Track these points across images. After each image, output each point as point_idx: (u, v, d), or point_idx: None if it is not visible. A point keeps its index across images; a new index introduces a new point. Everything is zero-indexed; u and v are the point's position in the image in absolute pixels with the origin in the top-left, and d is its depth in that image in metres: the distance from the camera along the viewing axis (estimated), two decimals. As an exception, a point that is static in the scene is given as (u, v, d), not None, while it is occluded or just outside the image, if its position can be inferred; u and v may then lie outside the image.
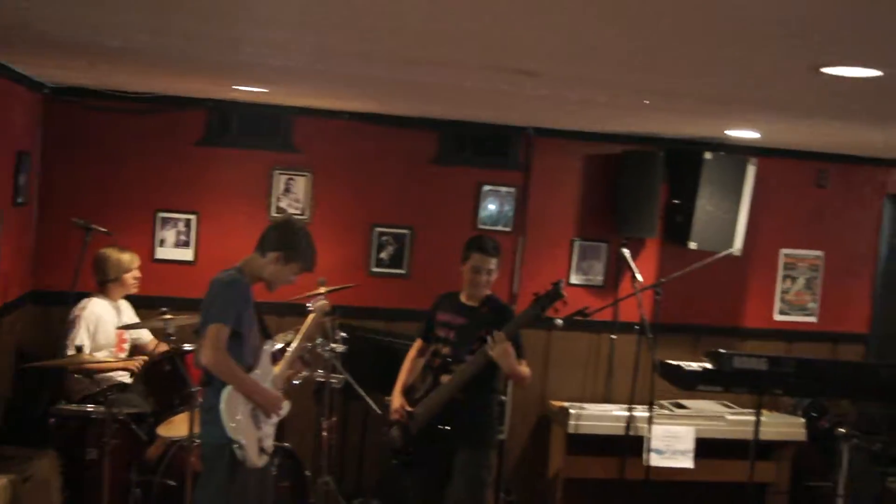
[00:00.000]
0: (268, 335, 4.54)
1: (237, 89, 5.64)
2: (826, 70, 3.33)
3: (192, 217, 6.33)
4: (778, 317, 7.08)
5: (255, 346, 4.35)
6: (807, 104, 4.36)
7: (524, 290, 6.53)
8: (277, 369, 4.50)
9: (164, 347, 5.33)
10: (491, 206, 6.65)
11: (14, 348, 5.88)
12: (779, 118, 5.15)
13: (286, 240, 4.31)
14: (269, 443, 4.33)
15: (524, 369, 4.85)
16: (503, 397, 6.26)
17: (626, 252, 6.32)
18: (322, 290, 5.42)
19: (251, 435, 4.20)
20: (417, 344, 5.29)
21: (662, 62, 3.52)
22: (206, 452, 4.28)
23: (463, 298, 5.06)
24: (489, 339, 4.69)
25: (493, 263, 4.96)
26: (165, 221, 6.32)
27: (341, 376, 5.65)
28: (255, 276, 4.33)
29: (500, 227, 6.63)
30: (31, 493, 4.62)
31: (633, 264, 6.29)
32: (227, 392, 4.14)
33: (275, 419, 4.39)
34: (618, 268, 6.67)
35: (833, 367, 6.02)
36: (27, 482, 4.60)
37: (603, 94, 4.58)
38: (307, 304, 4.91)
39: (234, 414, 4.14)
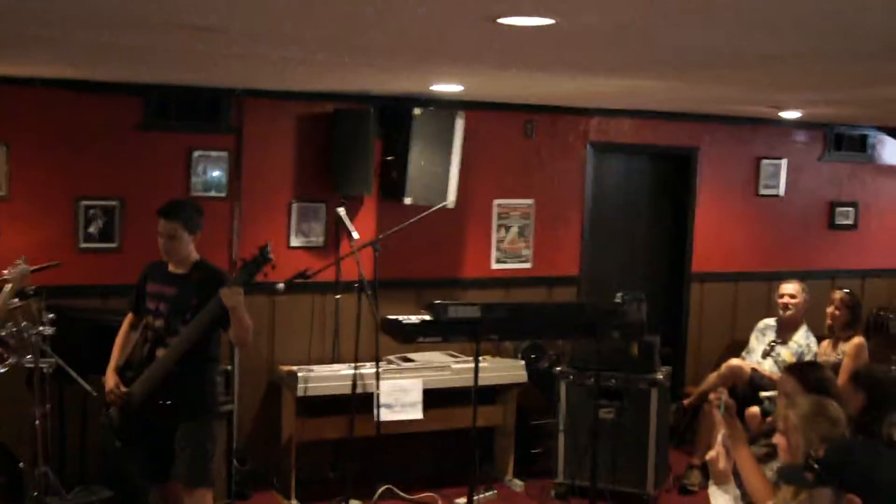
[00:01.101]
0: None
1: None
2: (503, 20, 3.45)
3: None
4: (495, 265, 7.34)
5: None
6: (490, 54, 4.50)
7: (244, 255, 6.42)
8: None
9: None
10: (203, 173, 6.47)
11: None
12: (474, 70, 5.29)
13: None
14: None
15: (249, 319, 4.75)
16: (229, 367, 6.17)
17: (342, 211, 6.33)
18: (6, 279, 5.10)
19: None
20: (129, 318, 5.10)
21: (340, 17, 3.52)
22: None
23: (171, 267, 4.91)
24: (222, 291, 4.57)
25: (172, 228, 4.80)
26: None
27: (51, 360, 5.37)
28: None
29: (213, 194, 6.46)
30: None
31: (348, 223, 6.32)
32: None
33: None
34: (337, 227, 6.68)
35: (542, 309, 6.33)
36: None
37: (299, 51, 4.53)
38: (3, 273, 4.58)
39: None
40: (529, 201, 7.43)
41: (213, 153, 6.49)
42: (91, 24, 3.86)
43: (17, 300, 5.24)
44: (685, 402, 7.40)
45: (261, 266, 4.67)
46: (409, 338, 5.62)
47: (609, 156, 7.83)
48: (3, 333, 5.15)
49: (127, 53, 4.86)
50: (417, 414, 6.26)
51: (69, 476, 5.89)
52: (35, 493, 5.29)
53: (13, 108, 6.08)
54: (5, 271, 4.60)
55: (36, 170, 6.12)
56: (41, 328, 5.31)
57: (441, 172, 6.60)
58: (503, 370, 6.77)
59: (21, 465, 5.16)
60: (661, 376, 6.48)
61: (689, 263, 8.15)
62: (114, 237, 6.28)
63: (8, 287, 4.48)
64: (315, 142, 6.72)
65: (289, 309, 6.66)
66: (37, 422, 5.35)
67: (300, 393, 6.18)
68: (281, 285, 5.59)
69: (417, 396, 6.26)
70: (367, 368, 6.17)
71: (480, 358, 5.48)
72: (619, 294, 6.13)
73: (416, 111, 6.52)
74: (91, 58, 5.17)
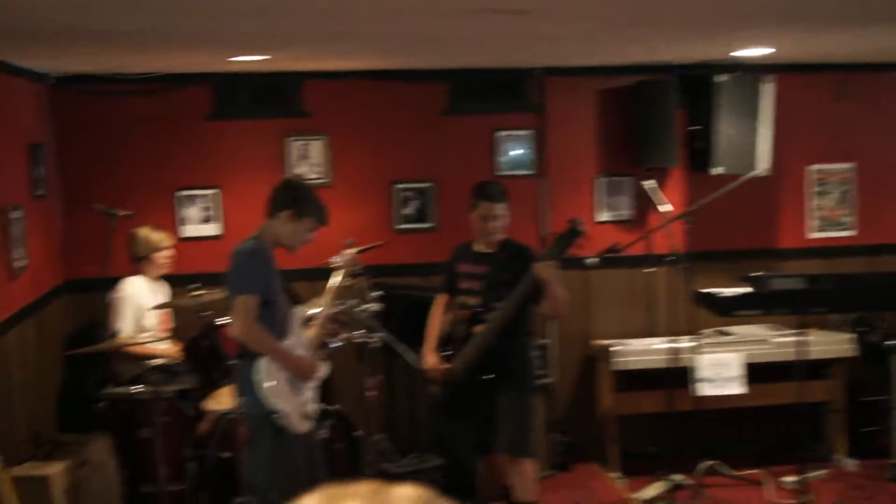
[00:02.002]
0: (295, 301, 4.52)
1: (234, 61, 5.59)
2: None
3: (214, 192, 6.32)
4: (813, 234, 6.98)
5: (283, 312, 4.32)
6: (823, 9, 4.26)
7: (553, 231, 6.48)
8: (310, 333, 4.48)
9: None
10: (509, 152, 6.59)
11: (57, 337, 5.90)
12: (794, 30, 5.04)
13: (292, 196, 4.27)
14: (310, 407, 4.31)
15: (563, 290, 4.78)
16: (546, 341, 6.24)
17: (650, 183, 6.23)
18: (337, 265, 5.39)
19: (291, 403, 4.18)
20: (441, 299, 5.27)
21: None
22: (250, 422, 4.29)
23: (478, 247, 5.02)
24: (534, 265, 4.64)
25: (500, 209, 4.89)
26: (187, 199, 6.30)
27: (380, 335, 5.64)
28: (274, 242, 4.29)
29: (520, 172, 6.57)
30: (88, 476, 4.65)
31: (657, 195, 6.21)
32: (261, 363, 4.13)
33: (312, 384, 4.36)
34: (645, 200, 6.59)
35: (872, 279, 5.95)
36: (84, 466, 4.62)
37: (601, 26, 4.49)
38: (333, 260, 4.84)
39: (271, 384, 4.12)
40: (849, 165, 7.00)
41: (518, 132, 6.60)
42: (401, 14, 3.99)
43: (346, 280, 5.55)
44: None
45: (573, 239, 4.68)
46: (726, 311, 5.47)
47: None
48: (336, 311, 5.45)
49: (434, 41, 5.02)
50: (738, 388, 6.06)
51: (401, 444, 6.19)
52: (371, 459, 5.58)
53: (331, 101, 6.45)
54: (336, 258, 4.86)
55: (354, 157, 6.47)
56: (369, 305, 5.59)
57: (749, 140, 6.35)
58: (830, 344, 6.40)
59: (358, 432, 5.44)
60: None
61: None
62: (428, 217, 6.52)
63: (339, 273, 4.76)
64: (617, 115, 6.67)
65: (601, 283, 6.66)
66: (369, 393, 5.65)
67: (616, 367, 6.15)
68: (592, 260, 5.59)
69: (738, 370, 6.05)
70: (684, 342, 6.04)
71: (804, 331, 5.22)
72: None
73: (720, 78, 6.31)
74: (396, 48, 5.38)
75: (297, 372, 4.23)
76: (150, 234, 5.78)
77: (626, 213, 6.71)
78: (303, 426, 4.23)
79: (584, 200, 6.66)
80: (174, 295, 5.80)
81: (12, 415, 4.89)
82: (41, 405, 5.46)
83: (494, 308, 4.84)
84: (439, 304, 5.26)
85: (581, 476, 6.18)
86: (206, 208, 6.31)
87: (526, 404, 4.95)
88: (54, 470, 4.37)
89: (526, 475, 4.93)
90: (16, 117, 5.48)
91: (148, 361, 5.52)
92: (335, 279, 4.81)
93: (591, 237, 5.08)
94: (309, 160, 6.38)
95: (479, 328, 4.89)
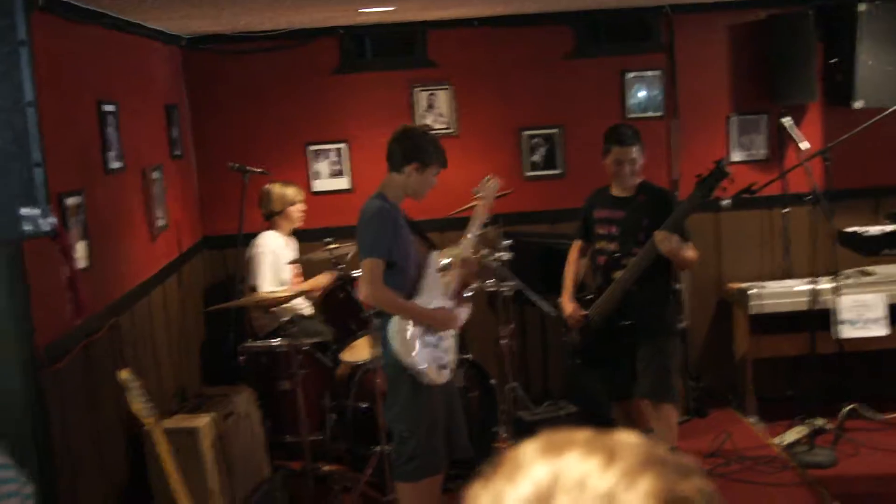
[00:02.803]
0: (432, 247, 4.52)
1: (364, 12, 5.59)
2: None
3: (343, 145, 6.38)
4: (963, 167, 6.64)
5: (417, 266, 4.33)
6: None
7: (684, 174, 6.34)
8: (448, 279, 4.46)
9: None
10: (638, 93, 6.45)
11: (197, 294, 6.10)
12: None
13: (414, 147, 4.24)
14: (448, 358, 4.32)
15: (690, 253, 4.72)
16: (679, 285, 6.14)
17: (787, 120, 6.00)
18: (479, 196, 5.37)
19: (426, 357, 4.19)
20: (577, 244, 5.21)
21: None
22: (388, 373, 4.34)
23: (615, 192, 4.94)
24: (656, 236, 4.56)
25: (633, 152, 4.80)
26: (317, 154, 6.38)
27: (511, 283, 5.64)
28: (400, 195, 4.30)
29: (650, 114, 6.43)
30: (234, 428, 4.81)
31: (796, 132, 5.98)
32: (393, 322, 4.16)
33: (451, 333, 4.38)
34: (780, 138, 6.37)
35: None
36: (229, 418, 4.78)
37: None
38: (475, 190, 4.77)
39: (403, 341, 4.15)
40: None
41: (647, 73, 6.44)
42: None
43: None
44: None
45: (718, 181, 4.57)
46: (872, 250, 5.26)
47: None
48: (476, 252, 5.44)
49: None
50: (882, 330, 5.84)
51: (535, 392, 6.21)
52: (505, 407, 5.61)
53: (456, 50, 6.41)
54: (478, 190, 4.74)
55: (480, 105, 6.43)
56: (499, 254, 5.58)
57: (893, 72, 6.04)
58: (978, 281, 6.12)
59: (492, 381, 5.48)
60: None
61: None
62: (556, 164, 6.46)
63: (480, 205, 4.64)
64: (749, 51, 6.45)
65: (735, 225, 6.49)
66: (502, 341, 5.67)
67: (753, 310, 6.01)
68: (726, 201, 5.43)
69: (882, 311, 5.82)
70: (823, 283, 5.85)
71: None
72: None
73: (862, 7, 6.00)
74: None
75: (433, 324, 4.24)
76: (282, 190, 5.89)
77: (760, 152, 6.51)
78: (440, 377, 4.25)
79: (717, 141, 6.48)
80: (307, 249, 5.92)
81: (160, 370, 5.10)
82: (185, 360, 5.68)
83: (633, 254, 4.78)
84: (575, 249, 5.22)
85: (718, 422, 6.08)
86: (336, 162, 6.39)
87: (666, 349, 4.92)
88: (202, 422, 4.53)
89: (667, 420, 4.91)
90: (152, 79, 5.63)
91: (286, 315, 5.66)
92: (479, 207, 4.68)
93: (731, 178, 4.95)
94: (434, 110, 6.38)
95: (617, 275, 4.85)
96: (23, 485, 2.35)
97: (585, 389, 5.74)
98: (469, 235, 4.54)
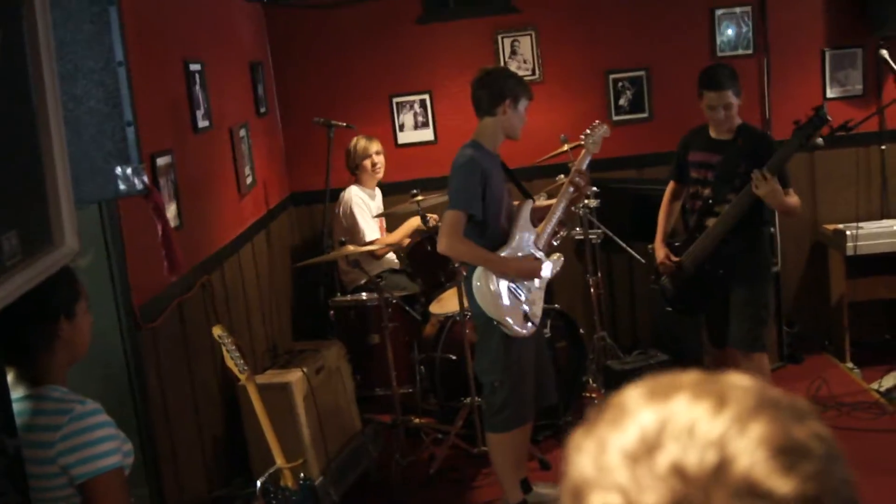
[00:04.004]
0: (527, 195, 4.47)
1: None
2: None
3: (426, 96, 6.34)
4: None
5: (508, 215, 4.29)
6: None
7: (777, 113, 6.17)
8: (540, 229, 4.41)
9: None
10: (728, 31, 6.25)
11: (286, 250, 6.16)
12: None
13: (501, 87, 4.18)
14: (535, 309, 4.27)
15: (792, 200, 4.56)
16: (770, 228, 5.99)
17: (885, 53, 5.77)
18: (565, 146, 5.30)
19: (511, 309, 4.16)
20: (670, 188, 5.08)
21: None
22: (477, 324, 4.33)
23: (713, 133, 4.79)
24: (753, 177, 4.44)
25: (727, 96, 4.60)
26: (401, 106, 6.35)
27: (599, 231, 5.57)
28: (497, 139, 4.25)
29: (740, 52, 6.23)
30: (325, 381, 4.86)
31: (894, 65, 5.75)
32: (477, 273, 4.13)
33: (537, 284, 4.33)
34: (877, 72, 6.13)
35: None
36: (320, 372, 4.83)
37: None
38: (581, 137, 4.69)
39: (488, 292, 4.12)
40: None
41: (737, 9, 6.24)
42: None
43: (561, 175, 5.46)
44: None
45: (818, 128, 4.42)
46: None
47: None
48: (570, 200, 5.37)
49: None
50: None
51: (624, 341, 6.15)
52: (594, 356, 5.57)
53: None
54: (582, 136, 4.67)
55: (564, 50, 6.31)
56: (587, 201, 5.50)
57: None
58: None
59: (580, 330, 5.43)
60: None
61: None
62: (643, 107, 6.33)
63: (583, 153, 4.57)
64: (844, -19, 6.20)
65: (829, 165, 6.29)
66: (591, 289, 5.61)
67: (849, 252, 5.83)
68: (820, 140, 5.26)
69: None
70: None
71: None
72: None
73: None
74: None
75: (515, 274, 4.21)
76: (360, 143, 5.89)
77: (856, 87, 6.27)
78: (526, 328, 4.22)
79: (810, 77, 6.27)
80: (393, 203, 5.92)
81: (251, 327, 5.16)
82: (276, 316, 5.74)
83: (727, 201, 4.64)
84: (668, 193, 5.10)
85: (813, 367, 5.94)
86: (419, 114, 6.36)
87: (759, 297, 4.77)
88: (293, 377, 4.58)
89: (759, 369, 4.79)
90: (236, 38, 5.65)
91: (376, 269, 5.68)
92: (581, 155, 4.62)
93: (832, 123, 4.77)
94: (518, 56, 6.28)
95: (710, 221, 4.73)
96: (123, 441, 2.40)
97: (676, 337, 5.66)
98: (569, 176, 4.46)
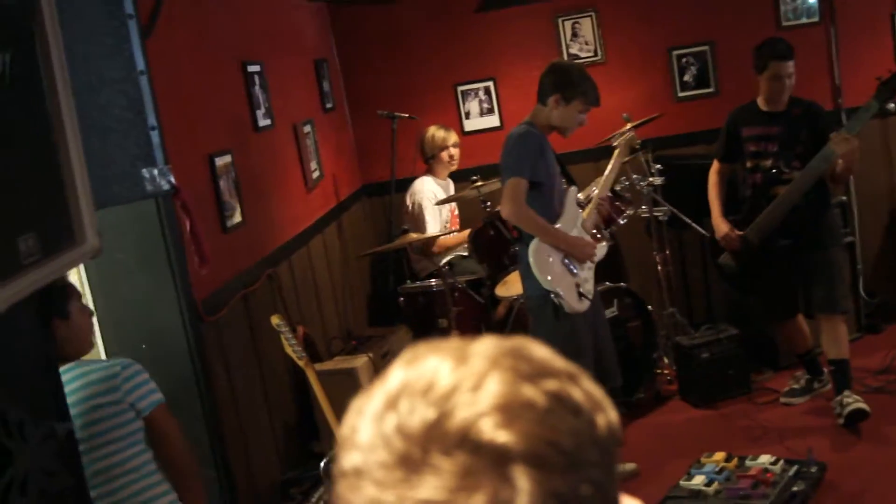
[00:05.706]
0: (571, 182, 4.54)
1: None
2: None
3: (490, 83, 6.41)
4: None
5: (558, 194, 4.36)
6: None
7: (847, 81, 6.04)
8: (585, 214, 4.49)
9: None
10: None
11: (358, 240, 6.32)
12: None
13: (558, 81, 4.26)
14: (588, 287, 4.33)
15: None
16: (843, 198, 5.90)
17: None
18: (628, 125, 5.32)
19: (566, 283, 4.23)
20: (716, 166, 5.13)
21: None
22: (530, 304, 4.42)
23: (765, 107, 4.80)
24: (833, 137, 4.48)
25: (791, 66, 4.70)
26: (466, 94, 6.44)
27: (665, 208, 5.56)
28: (547, 127, 4.33)
29: (804, 20, 6.11)
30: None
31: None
32: (534, 245, 4.20)
33: (589, 264, 4.39)
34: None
35: None
36: (385, 357, 4.97)
37: None
38: (612, 137, 4.82)
39: (544, 265, 4.20)
40: None
41: (801, -24, 6.13)
42: None
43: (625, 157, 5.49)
44: None
45: None
46: None
47: None
48: (619, 188, 5.43)
49: None
50: None
51: (694, 316, 6.12)
52: (665, 333, 5.58)
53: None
54: (615, 136, 4.83)
55: (625, 28, 6.30)
56: (651, 179, 5.51)
57: None
58: None
59: (650, 308, 5.45)
60: None
61: None
62: (709, 82, 6.27)
63: (616, 153, 4.74)
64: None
65: (903, 130, 6.15)
66: (659, 266, 5.62)
67: (928, 219, 5.71)
68: (892, 105, 5.17)
69: None
70: None
71: None
72: None
73: None
74: None
75: (571, 251, 4.28)
76: (435, 133, 6.00)
77: (930, 50, 6.10)
78: (580, 305, 4.28)
79: (881, 42, 6.10)
80: (459, 189, 6.01)
81: (322, 315, 5.34)
82: (350, 304, 5.91)
83: (794, 168, 4.69)
84: (715, 171, 5.13)
85: (892, 338, 5.80)
86: (484, 101, 6.44)
87: (834, 259, 4.84)
88: (360, 362, 4.74)
89: (835, 332, 4.78)
90: (299, 37, 5.83)
91: (445, 257, 5.80)
92: (613, 160, 4.79)
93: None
94: (579, 38, 6.30)
95: (779, 190, 4.75)
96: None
97: (745, 311, 5.62)
98: (602, 181, 4.70)
